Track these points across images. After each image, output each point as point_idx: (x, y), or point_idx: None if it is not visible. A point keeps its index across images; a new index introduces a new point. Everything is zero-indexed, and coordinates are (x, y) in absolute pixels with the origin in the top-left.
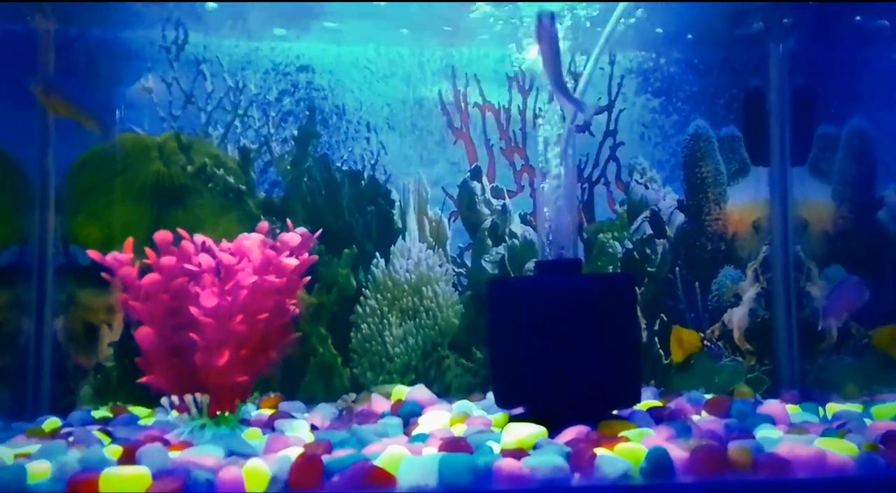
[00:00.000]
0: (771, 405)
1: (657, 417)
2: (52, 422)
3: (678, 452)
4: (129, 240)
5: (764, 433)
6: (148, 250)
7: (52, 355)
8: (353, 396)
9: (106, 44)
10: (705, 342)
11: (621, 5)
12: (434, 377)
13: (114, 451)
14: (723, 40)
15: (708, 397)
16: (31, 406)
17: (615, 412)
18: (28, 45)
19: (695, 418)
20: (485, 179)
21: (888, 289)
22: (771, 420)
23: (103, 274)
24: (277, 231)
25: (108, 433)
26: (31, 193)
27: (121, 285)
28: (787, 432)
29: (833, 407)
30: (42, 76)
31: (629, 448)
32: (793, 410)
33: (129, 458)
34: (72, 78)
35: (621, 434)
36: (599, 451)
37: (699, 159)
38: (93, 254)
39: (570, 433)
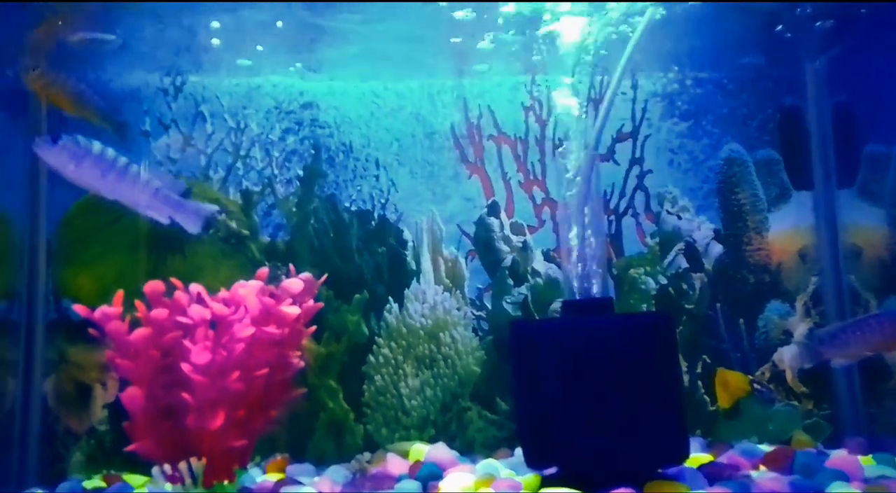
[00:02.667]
0: (840, 457)
1: (710, 474)
2: None
3: None
4: (120, 292)
5: (837, 491)
6: (138, 303)
7: (40, 419)
8: (367, 455)
9: (101, 85)
10: (754, 385)
11: (645, 20)
12: (455, 432)
13: None
14: (754, 56)
15: (763, 447)
16: (17, 476)
17: (660, 470)
18: (19, 91)
19: (753, 474)
20: (503, 215)
21: None
22: (843, 476)
23: (90, 330)
24: (283, 277)
25: None
26: (19, 243)
27: (109, 341)
28: (864, 490)
29: None
30: (40, 65)
31: None
32: (865, 462)
33: None
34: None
35: None
36: None
37: (735, 185)
38: (79, 308)
39: None
